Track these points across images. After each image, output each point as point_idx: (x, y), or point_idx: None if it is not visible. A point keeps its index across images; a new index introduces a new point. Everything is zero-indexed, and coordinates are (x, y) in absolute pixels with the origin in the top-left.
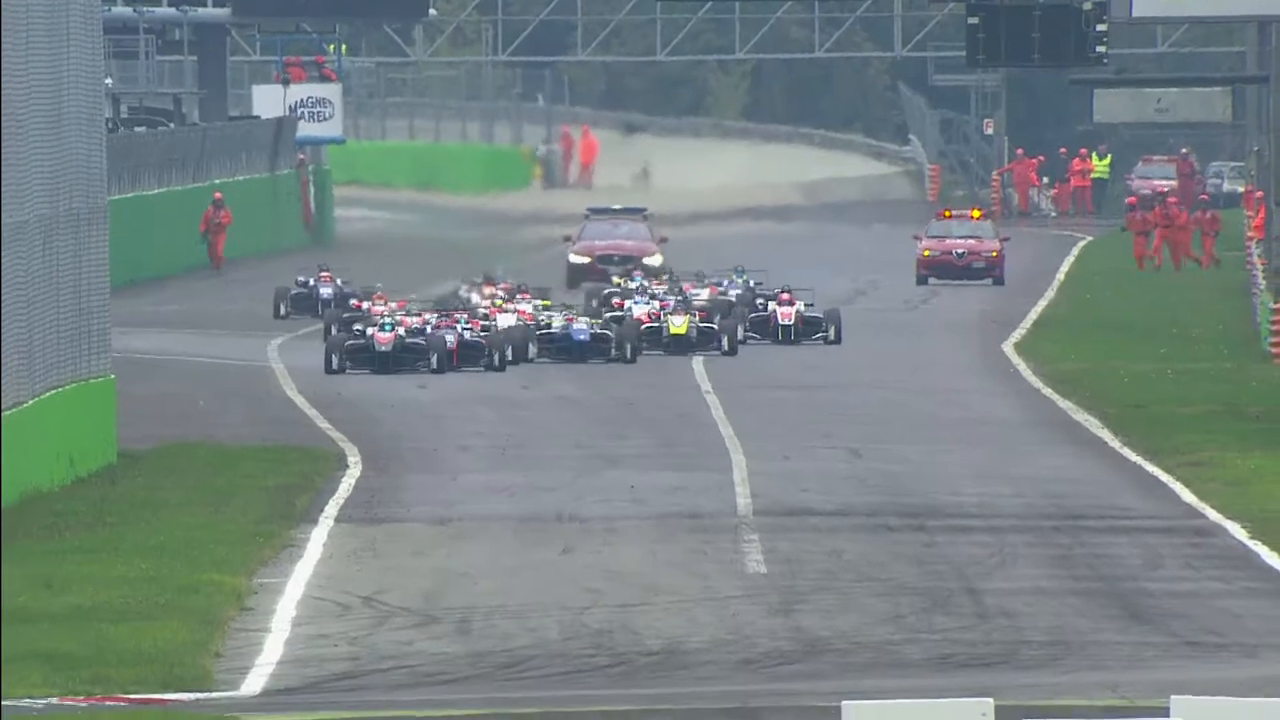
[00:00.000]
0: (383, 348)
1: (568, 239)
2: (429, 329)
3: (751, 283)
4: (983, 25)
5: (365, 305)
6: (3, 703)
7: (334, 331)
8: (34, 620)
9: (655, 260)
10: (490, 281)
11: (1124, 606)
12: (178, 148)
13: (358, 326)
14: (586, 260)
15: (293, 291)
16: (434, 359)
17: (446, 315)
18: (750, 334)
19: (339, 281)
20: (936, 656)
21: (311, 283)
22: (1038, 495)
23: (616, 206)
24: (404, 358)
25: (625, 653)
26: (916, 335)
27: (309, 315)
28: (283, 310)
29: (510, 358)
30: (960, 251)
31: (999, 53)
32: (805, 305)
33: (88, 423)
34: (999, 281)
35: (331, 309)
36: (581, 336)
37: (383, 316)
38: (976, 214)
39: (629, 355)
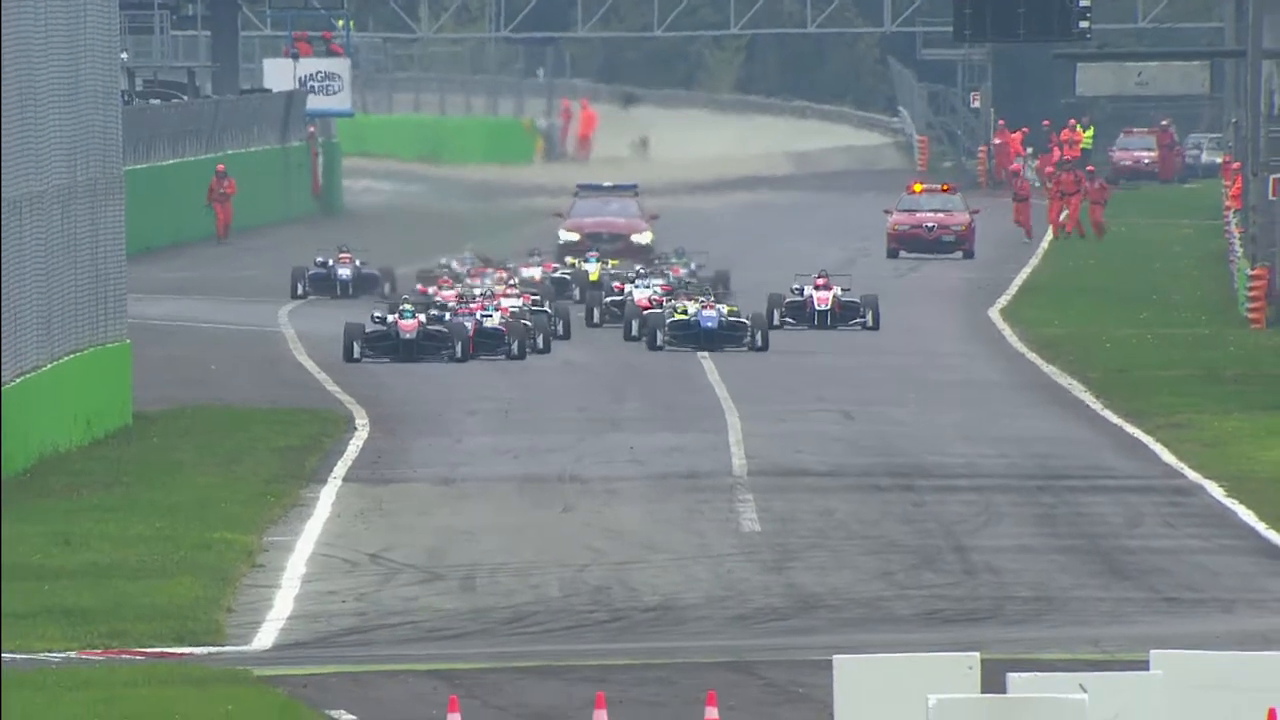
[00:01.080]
0: (406, 335)
1: (558, 215)
2: (449, 315)
3: (693, 265)
4: (969, 1)
5: (430, 290)
6: (20, 657)
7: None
8: (53, 577)
9: (645, 237)
10: (489, 264)
11: (1105, 563)
12: (191, 119)
13: (377, 313)
14: (576, 237)
15: (310, 271)
16: (457, 347)
17: (467, 301)
18: (786, 319)
19: (358, 262)
20: (925, 612)
21: (330, 263)
22: (1023, 456)
23: (607, 183)
24: (427, 345)
25: (623, 608)
26: (905, 301)
27: (327, 296)
28: (300, 290)
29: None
30: (930, 225)
31: (985, 27)
32: (842, 290)
33: (104, 386)
34: (969, 255)
35: (394, 294)
36: (710, 324)
37: (405, 303)
38: (945, 188)
39: (761, 343)
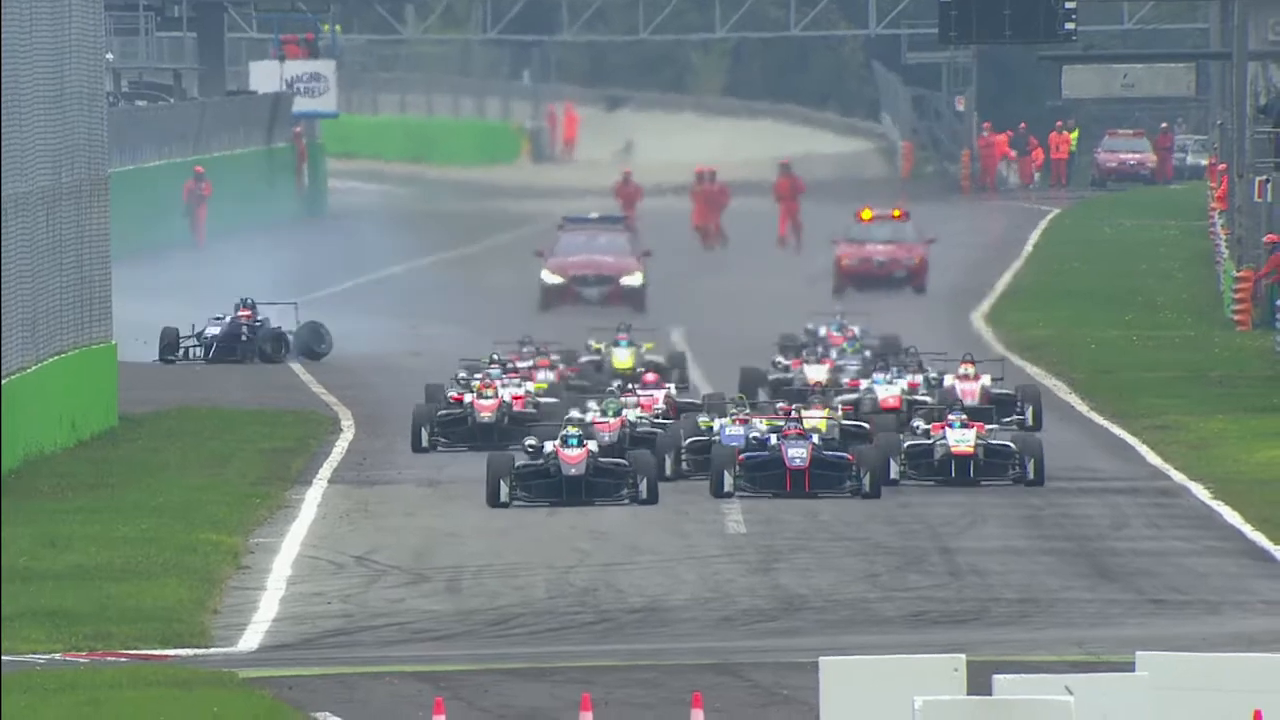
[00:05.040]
0: (572, 469)
1: (539, 254)
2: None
3: (857, 330)
4: (955, 3)
5: (467, 398)
6: (5, 658)
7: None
8: (38, 579)
9: (636, 279)
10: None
11: (1091, 565)
12: (177, 121)
13: (531, 442)
14: (560, 280)
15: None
16: (643, 485)
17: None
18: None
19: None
20: (910, 613)
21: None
22: None
23: (594, 215)
24: (598, 484)
25: (609, 610)
26: (887, 306)
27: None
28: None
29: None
30: (880, 260)
31: (971, 30)
32: (992, 379)
33: (90, 387)
34: (920, 290)
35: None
36: (964, 445)
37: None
38: (897, 214)
39: (1034, 475)
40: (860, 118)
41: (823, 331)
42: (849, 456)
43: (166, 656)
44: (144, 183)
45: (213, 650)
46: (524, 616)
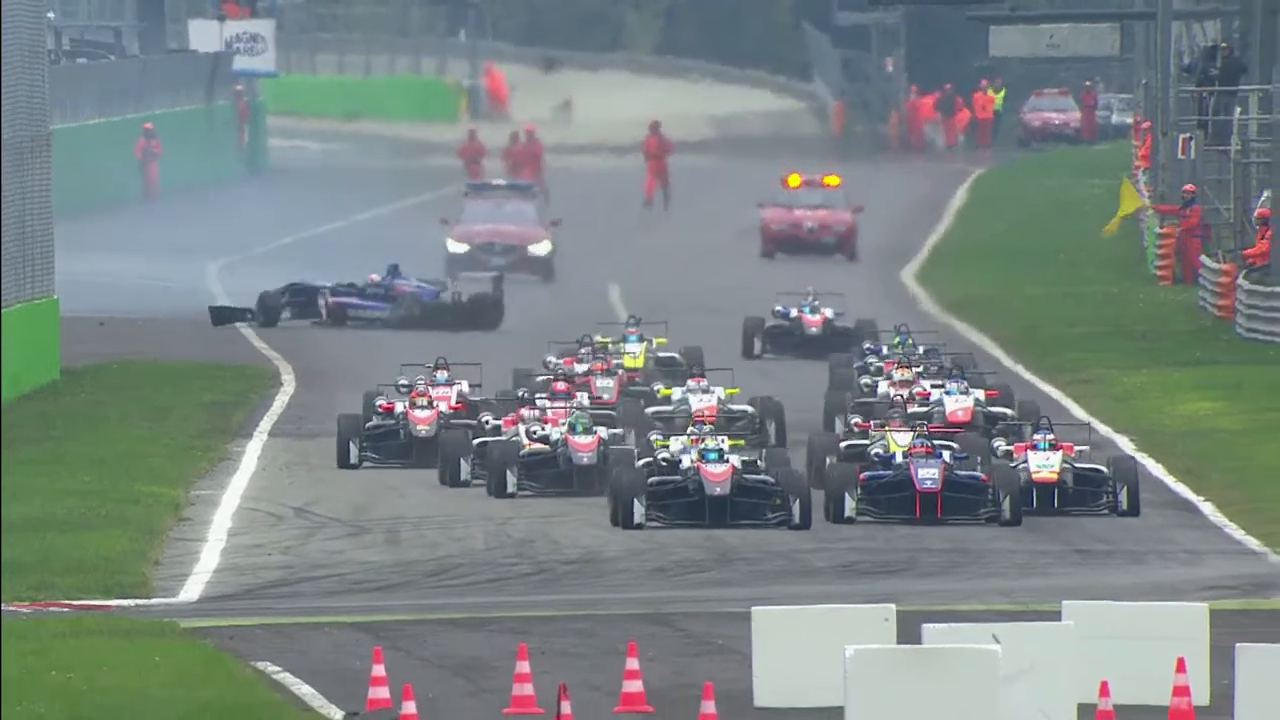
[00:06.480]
0: (716, 488)
1: (444, 221)
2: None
3: (920, 348)
4: None
5: (400, 406)
6: None
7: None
8: None
9: (543, 248)
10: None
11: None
12: (118, 79)
13: (664, 454)
14: (465, 249)
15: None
16: (795, 506)
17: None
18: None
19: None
20: (841, 564)
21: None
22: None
23: (499, 182)
24: (742, 505)
25: (546, 561)
26: (817, 265)
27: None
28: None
29: None
30: (810, 225)
31: None
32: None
33: (32, 341)
34: (851, 257)
35: (463, 430)
36: (1043, 468)
37: (688, 439)
38: (833, 181)
39: (1127, 505)
40: (792, 78)
41: (794, 313)
42: (984, 477)
43: (109, 607)
44: (85, 140)
45: (154, 601)
46: (462, 568)
